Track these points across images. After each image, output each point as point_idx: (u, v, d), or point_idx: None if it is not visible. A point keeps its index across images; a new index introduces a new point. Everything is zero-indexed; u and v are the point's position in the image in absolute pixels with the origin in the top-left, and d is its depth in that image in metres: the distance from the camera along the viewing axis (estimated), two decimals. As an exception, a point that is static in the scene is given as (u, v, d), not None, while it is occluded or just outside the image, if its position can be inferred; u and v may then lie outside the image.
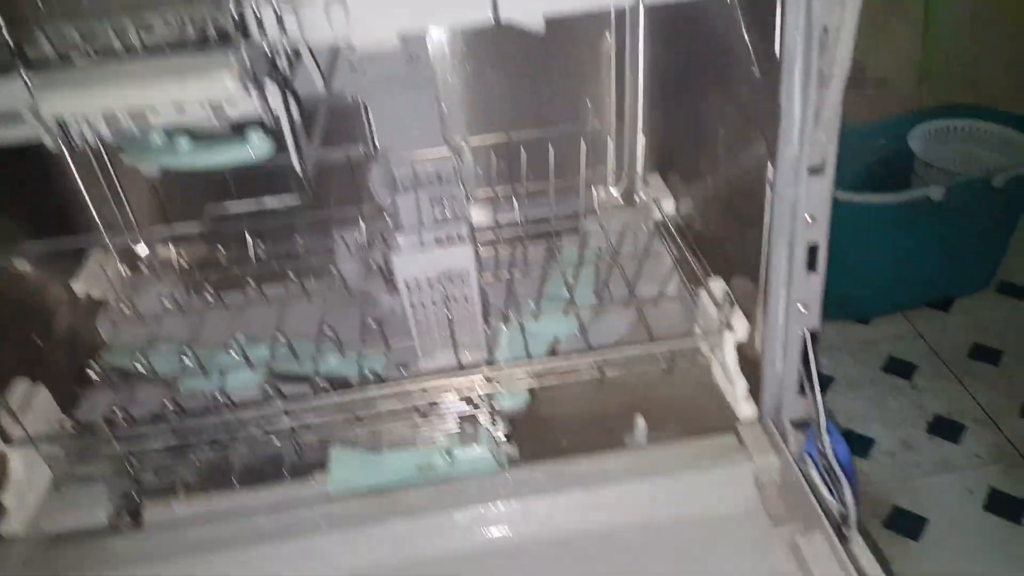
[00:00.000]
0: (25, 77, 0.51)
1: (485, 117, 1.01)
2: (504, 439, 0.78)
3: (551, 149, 0.93)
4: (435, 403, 0.79)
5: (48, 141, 0.55)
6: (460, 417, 0.79)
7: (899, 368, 1.62)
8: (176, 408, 0.77)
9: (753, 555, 0.63)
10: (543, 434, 0.82)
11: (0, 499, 0.70)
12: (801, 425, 0.70)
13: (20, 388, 0.76)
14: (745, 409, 0.73)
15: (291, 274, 0.97)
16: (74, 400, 0.84)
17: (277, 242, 1.02)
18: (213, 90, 0.52)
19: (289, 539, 0.68)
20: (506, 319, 0.88)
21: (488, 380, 0.78)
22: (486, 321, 0.85)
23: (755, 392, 0.73)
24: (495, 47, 0.97)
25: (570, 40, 0.98)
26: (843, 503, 0.61)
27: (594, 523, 0.68)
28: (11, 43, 0.52)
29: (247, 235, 0.99)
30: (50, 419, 0.79)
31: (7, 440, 0.71)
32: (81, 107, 0.52)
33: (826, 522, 0.60)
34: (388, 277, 0.98)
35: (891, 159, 1.82)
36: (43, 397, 0.78)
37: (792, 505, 0.66)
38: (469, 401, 0.81)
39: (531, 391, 0.83)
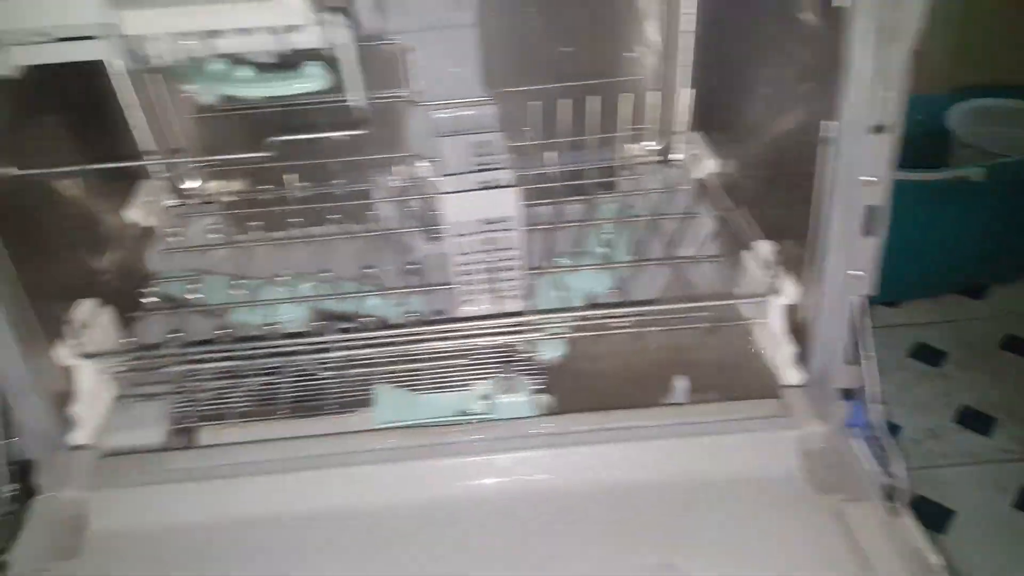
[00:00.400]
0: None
1: (525, 66, 1.00)
2: (540, 388, 0.78)
3: (594, 102, 0.91)
4: (474, 348, 0.79)
5: (119, 61, 0.54)
6: (498, 364, 0.79)
7: (927, 355, 1.60)
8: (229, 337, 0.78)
9: (795, 520, 0.63)
10: (578, 387, 0.82)
11: (71, 411, 0.73)
12: (847, 394, 0.69)
13: (86, 307, 0.78)
14: (791, 375, 0.72)
15: (331, 215, 0.97)
16: (128, 325, 0.85)
17: (317, 183, 1.02)
18: (284, 15, 0.51)
19: (335, 467, 0.69)
20: (542, 272, 0.88)
21: (527, 329, 0.78)
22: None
23: (800, 358, 0.72)
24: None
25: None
26: (892, 475, 0.61)
27: (632, 476, 0.68)
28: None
29: (286, 174, 0.99)
30: (112, 340, 0.80)
31: (77, 354, 0.73)
32: (157, 26, 0.52)
33: (875, 493, 0.60)
34: (424, 223, 0.97)
35: (927, 137, 1.77)
36: (106, 318, 0.79)
37: (838, 474, 0.65)
38: (508, 348, 0.81)
39: (568, 344, 0.83)
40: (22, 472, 0.72)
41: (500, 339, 0.80)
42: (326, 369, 0.80)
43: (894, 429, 1.44)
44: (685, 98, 0.97)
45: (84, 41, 0.54)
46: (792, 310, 0.74)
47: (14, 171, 0.69)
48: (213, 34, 0.54)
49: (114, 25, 0.51)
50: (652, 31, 0.98)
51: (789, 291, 0.72)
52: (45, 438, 0.71)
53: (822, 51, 0.63)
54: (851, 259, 0.65)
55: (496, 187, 0.77)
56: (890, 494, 0.61)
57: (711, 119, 0.98)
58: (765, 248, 0.77)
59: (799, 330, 0.73)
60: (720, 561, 0.62)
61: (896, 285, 1.71)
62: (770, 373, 0.75)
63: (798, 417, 0.69)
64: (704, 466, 0.68)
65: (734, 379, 0.78)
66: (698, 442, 0.68)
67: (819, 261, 0.67)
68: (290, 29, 0.54)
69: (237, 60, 0.65)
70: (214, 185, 1.03)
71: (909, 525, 0.59)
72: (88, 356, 0.74)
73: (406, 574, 0.64)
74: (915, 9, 0.56)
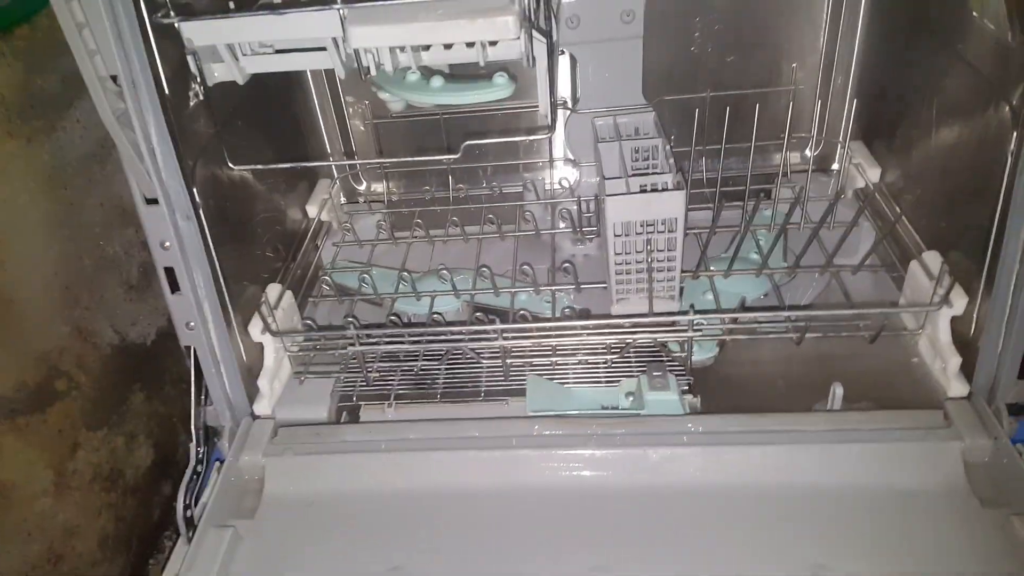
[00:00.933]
0: (341, 11, 0.57)
1: (686, 75, 1.02)
2: (688, 388, 0.80)
3: (754, 110, 0.92)
4: (625, 345, 0.82)
5: (340, 70, 0.61)
6: (647, 362, 0.82)
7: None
8: (399, 323, 0.85)
9: (959, 532, 0.62)
10: (726, 390, 0.84)
11: (256, 384, 0.81)
12: (1016, 409, 0.68)
13: (274, 290, 0.86)
14: (956, 387, 0.71)
15: (487, 215, 1.03)
16: (302, 309, 0.94)
17: (472, 184, 1.09)
18: (499, 31, 0.56)
19: (490, 450, 0.74)
20: (696, 275, 0.90)
21: (679, 329, 0.80)
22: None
23: (965, 371, 0.71)
24: (704, 3, 0.97)
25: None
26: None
27: (786, 479, 0.69)
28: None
29: (450, 176, 1.06)
30: (292, 322, 0.88)
31: (266, 331, 0.81)
32: (385, 41, 0.58)
33: (1046, 510, 0.59)
34: (576, 225, 1.01)
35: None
36: (289, 301, 0.88)
37: (1005, 489, 0.64)
38: (658, 347, 0.84)
39: (719, 346, 0.84)
40: (208, 436, 0.80)
41: (651, 338, 0.82)
42: (483, 358, 0.85)
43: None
44: (847, 107, 0.96)
45: (313, 52, 0.62)
46: (954, 321, 0.73)
47: (229, 167, 0.78)
48: (422, 47, 0.61)
49: (342, 39, 0.58)
50: (815, 41, 0.98)
51: (959, 303, 0.71)
52: (232, 407, 0.79)
53: (1012, 62, 0.62)
54: (1030, 272, 0.64)
55: (662, 190, 0.79)
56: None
57: (873, 128, 0.97)
58: (934, 259, 0.76)
59: (962, 342, 0.72)
60: (876, 568, 0.62)
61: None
62: (930, 384, 0.74)
63: (962, 429, 0.68)
64: (862, 473, 0.68)
65: (894, 389, 0.77)
66: (856, 449, 0.68)
67: (997, 274, 0.66)
68: (493, 43, 0.60)
69: (431, 71, 0.71)
70: (381, 186, 1.11)
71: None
72: (274, 334, 0.82)
73: (550, 556, 0.66)
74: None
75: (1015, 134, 0.62)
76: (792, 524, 0.66)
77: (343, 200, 1.12)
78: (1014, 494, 0.63)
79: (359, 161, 1.08)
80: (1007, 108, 0.63)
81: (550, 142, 1.07)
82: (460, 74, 0.74)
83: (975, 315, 0.70)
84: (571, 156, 1.08)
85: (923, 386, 0.75)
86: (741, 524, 0.67)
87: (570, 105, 1.03)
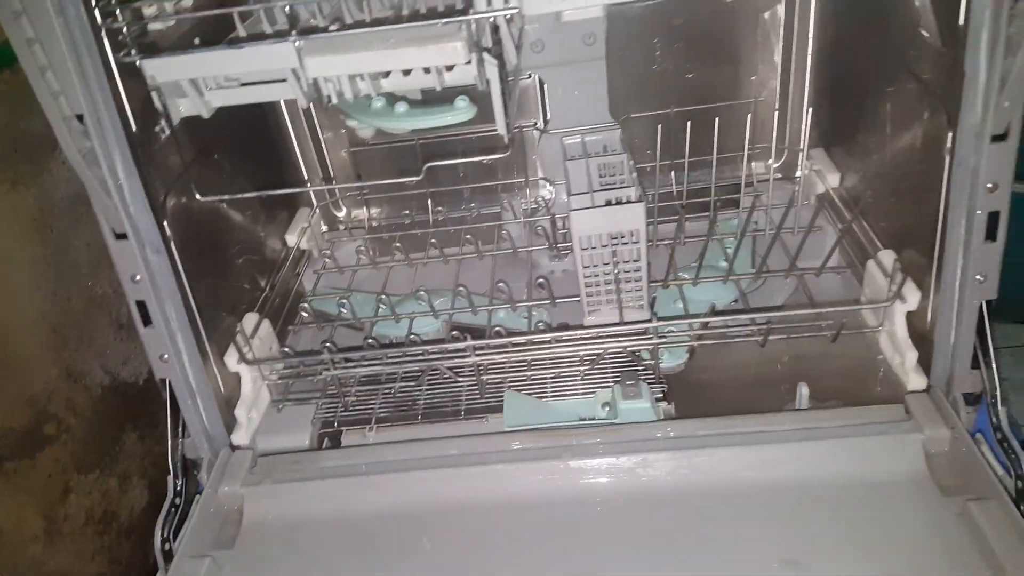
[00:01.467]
0: (296, 43, 0.60)
1: (649, 92, 1.05)
2: (662, 396, 0.82)
3: (717, 123, 0.95)
4: (599, 356, 0.84)
5: (302, 100, 0.64)
6: (621, 372, 0.84)
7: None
8: (375, 345, 0.87)
9: (921, 520, 0.64)
10: (699, 395, 0.86)
11: (233, 414, 0.82)
12: (973, 399, 0.70)
13: (250, 320, 0.88)
14: (915, 380, 0.73)
15: (465, 236, 1.05)
16: (283, 337, 0.96)
17: (451, 207, 1.11)
18: (449, 56, 0.59)
19: (468, 467, 0.75)
20: (665, 284, 0.92)
21: (650, 337, 0.82)
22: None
23: (924, 364, 0.73)
24: (665, 21, 1.00)
25: (739, 15, 1.00)
26: (1020, 476, 0.61)
27: (756, 478, 0.70)
28: (285, 13, 0.62)
29: (430, 200, 1.09)
30: (270, 351, 0.90)
31: (242, 360, 0.82)
32: (340, 69, 0.61)
33: (1003, 492, 0.61)
34: (551, 241, 1.04)
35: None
36: (267, 330, 0.89)
37: (964, 476, 0.66)
38: (631, 357, 0.86)
39: (690, 352, 0.86)
40: (187, 469, 0.80)
41: (623, 348, 0.84)
42: (460, 376, 0.87)
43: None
44: (804, 117, 1.00)
45: (275, 84, 0.64)
46: (915, 316, 0.75)
47: (197, 197, 0.79)
48: (381, 74, 0.64)
49: (300, 69, 0.61)
50: (773, 55, 1.02)
51: (912, 298, 0.74)
52: (210, 439, 0.80)
53: (944, 66, 0.65)
54: (975, 264, 0.67)
55: (622, 203, 0.82)
56: (1020, 495, 0.61)
57: (833, 136, 1.00)
58: (888, 257, 0.79)
59: (920, 336, 0.74)
60: (844, 559, 0.63)
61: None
62: (892, 379, 0.76)
63: (922, 421, 0.69)
64: (828, 469, 0.69)
65: (858, 385, 0.79)
66: (822, 446, 0.70)
67: (943, 267, 0.68)
68: (448, 68, 0.63)
69: (394, 97, 0.74)
70: (361, 212, 1.14)
71: (1039, 525, 0.59)
72: (251, 363, 0.83)
73: (532, 568, 0.67)
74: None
75: (950, 134, 0.65)
76: (764, 521, 0.68)
77: (324, 228, 1.14)
78: (971, 481, 0.65)
79: (329, 187, 1.11)
80: (943, 111, 0.66)
81: (525, 162, 1.10)
82: (432, 99, 0.77)
83: (929, 310, 0.72)
84: (545, 175, 1.11)
85: (886, 381, 0.77)
86: (715, 524, 0.68)
87: (541, 126, 1.06)
